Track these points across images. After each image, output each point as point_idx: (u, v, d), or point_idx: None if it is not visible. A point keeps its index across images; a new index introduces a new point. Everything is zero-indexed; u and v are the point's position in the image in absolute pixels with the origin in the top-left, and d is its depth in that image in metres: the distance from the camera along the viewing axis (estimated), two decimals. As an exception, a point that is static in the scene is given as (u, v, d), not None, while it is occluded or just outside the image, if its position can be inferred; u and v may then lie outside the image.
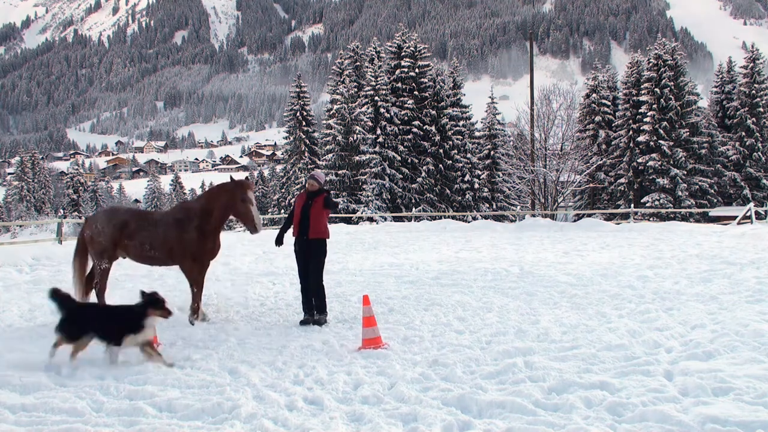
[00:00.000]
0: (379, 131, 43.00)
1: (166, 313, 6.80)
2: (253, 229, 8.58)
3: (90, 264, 9.29)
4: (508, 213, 39.98)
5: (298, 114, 51.80)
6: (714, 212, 38.92)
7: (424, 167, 43.68)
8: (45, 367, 6.38)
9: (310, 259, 8.65)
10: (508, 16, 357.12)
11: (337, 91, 46.69)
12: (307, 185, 8.93)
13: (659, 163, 42.87)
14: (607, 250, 16.70)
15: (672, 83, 43.82)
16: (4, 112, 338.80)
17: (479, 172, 45.54)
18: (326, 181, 44.84)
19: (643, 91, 44.33)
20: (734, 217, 30.57)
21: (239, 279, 12.84)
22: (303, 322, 8.56)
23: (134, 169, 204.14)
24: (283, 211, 49.43)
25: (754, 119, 45.47)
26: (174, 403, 5.40)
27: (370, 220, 38.68)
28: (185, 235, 8.65)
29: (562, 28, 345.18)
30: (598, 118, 46.63)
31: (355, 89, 46.17)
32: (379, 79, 44.02)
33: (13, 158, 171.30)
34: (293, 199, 48.60)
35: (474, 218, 35.68)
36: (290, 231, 9.03)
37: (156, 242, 8.81)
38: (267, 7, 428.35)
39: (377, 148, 42.90)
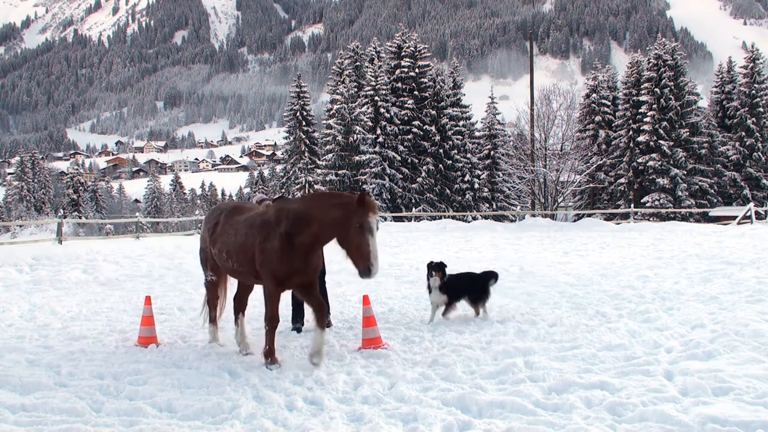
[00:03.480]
0: (379, 131, 42.99)
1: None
2: (365, 270, 6.02)
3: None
4: (508, 213, 39.96)
5: (298, 114, 51.80)
6: (714, 212, 38.91)
7: (424, 167, 43.67)
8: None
9: None
10: (508, 16, 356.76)
11: (337, 91, 46.68)
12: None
13: (659, 163, 42.85)
14: (607, 250, 16.70)
15: (672, 83, 43.80)
16: (4, 112, 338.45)
17: (479, 172, 45.53)
18: (321, 180, 44.85)
19: (643, 91, 44.31)
20: (734, 217, 30.58)
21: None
22: (297, 329, 8.45)
23: (134, 169, 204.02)
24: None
25: (754, 119, 45.45)
26: (174, 403, 5.40)
27: (370, 220, 38.60)
28: (267, 243, 6.57)
29: (562, 28, 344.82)
30: (598, 118, 46.61)
31: (355, 89, 46.16)
32: (379, 79, 44.01)
33: (13, 158, 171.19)
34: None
35: (474, 218, 35.68)
36: None
37: (234, 249, 6.89)
38: (267, 7, 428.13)
39: (377, 148, 42.90)
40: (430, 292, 8.67)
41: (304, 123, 51.96)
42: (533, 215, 31.73)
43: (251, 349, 7.11)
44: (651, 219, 37.69)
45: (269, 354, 6.58)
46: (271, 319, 6.65)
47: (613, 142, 45.82)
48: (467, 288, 8.75)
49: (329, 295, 9.20)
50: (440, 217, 34.28)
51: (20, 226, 66.84)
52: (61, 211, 59.44)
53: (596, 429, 4.59)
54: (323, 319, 6.60)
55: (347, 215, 6.09)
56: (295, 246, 6.44)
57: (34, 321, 9.25)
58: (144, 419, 5.07)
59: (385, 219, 38.59)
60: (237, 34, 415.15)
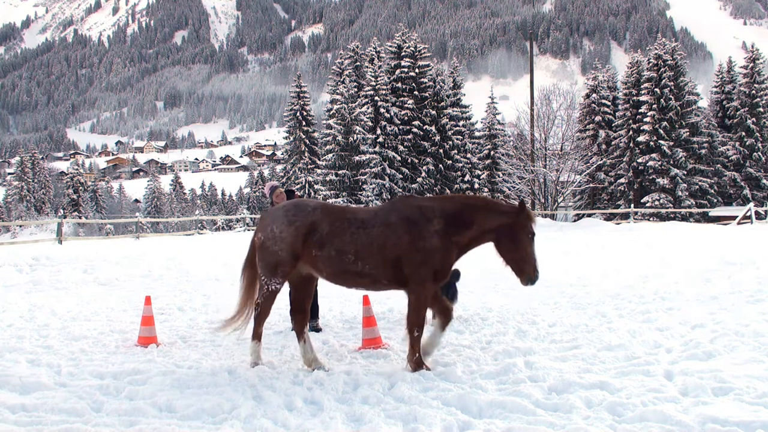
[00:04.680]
0: (379, 131, 42.99)
1: None
2: (532, 278, 6.23)
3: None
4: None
5: (298, 114, 51.82)
6: (714, 212, 38.92)
7: (424, 167, 43.66)
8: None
9: None
10: (508, 16, 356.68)
11: (337, 91, 46.68)
12: (278, 200, 8.36)
13: (659, 163, 42.85)
14: (607, 250, 16.70)
15: (672, 83, 43.78)
16: (4, 112, 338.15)
17: (479, 172, 45.52)
18: (321, 180, 44.88)
19: (643, 91, 44.29)
20: (734, 217, 30.62)
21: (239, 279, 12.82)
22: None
23: (134, 169, 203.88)
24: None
25: (754, 119, 45.44)
26: (174, 403, 5.39)
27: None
28: (422, 243, 6.17)
29: (562, 28, 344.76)
30: (598, 118, 46.60)
31: (355, 89, 46.17)
32: (379, 79, 44.00)
33: (13, 158, 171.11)
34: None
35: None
36: None
37: (367, 250, 6.27)
38: (267, 7, 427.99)
39: (377, 148, 42.89)
40: None
41: (304, 123, 51.98)
42: (533, 215, 31.72)
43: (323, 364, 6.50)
44: (651, 219, 37.69)
45: (420, 362, 6.28)
46: (421, 326, 6.39)
47: (613, 142, 45.82)
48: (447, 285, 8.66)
49: (328, 294, 9.20)
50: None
51: (20, 226, 66.84)
52: (61, 211, 59.47)
53: (596, 429, 4.59)
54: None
55: (518, 224, 6.20)
56: (452, 245, 6.27)
57: (34, 321, 9.24)
58: (144, 419, 5.07)
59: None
60: (237, 34, 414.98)
